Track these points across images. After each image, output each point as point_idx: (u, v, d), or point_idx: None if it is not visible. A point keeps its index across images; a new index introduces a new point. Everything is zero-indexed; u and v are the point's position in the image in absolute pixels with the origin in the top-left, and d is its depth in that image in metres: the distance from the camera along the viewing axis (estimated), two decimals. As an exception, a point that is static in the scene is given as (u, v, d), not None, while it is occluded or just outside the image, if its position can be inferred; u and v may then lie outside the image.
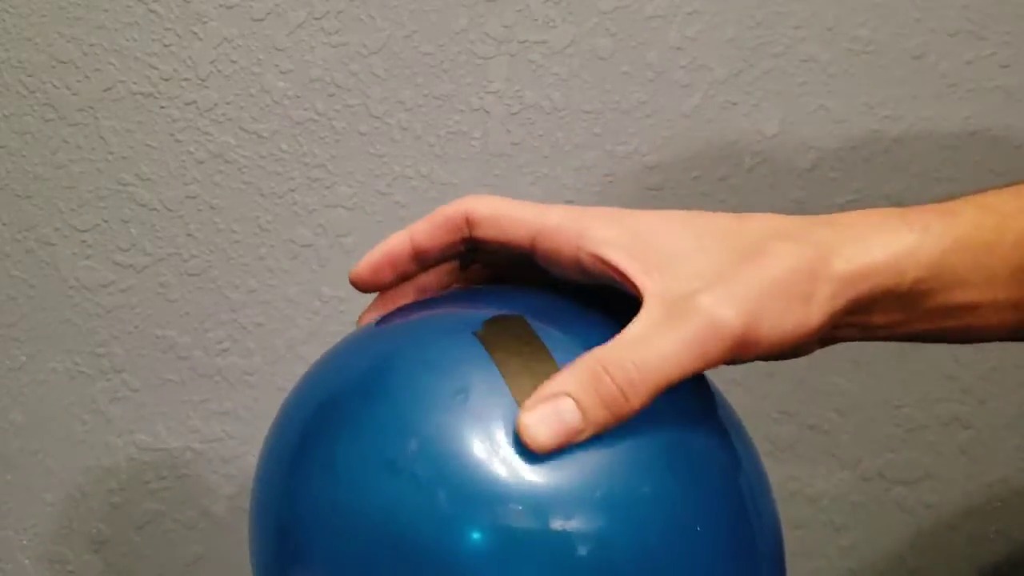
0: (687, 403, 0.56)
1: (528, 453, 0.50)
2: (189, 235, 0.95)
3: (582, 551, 0.49)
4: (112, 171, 0.94)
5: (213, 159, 0.94)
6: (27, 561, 1.02)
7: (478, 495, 0.50)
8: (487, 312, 0.57)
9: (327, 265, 0.96)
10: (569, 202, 0.96)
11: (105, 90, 0.93)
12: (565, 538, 0.49)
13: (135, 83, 0.93)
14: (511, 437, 0.51)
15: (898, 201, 0.97)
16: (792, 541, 1.05)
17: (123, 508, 1.01)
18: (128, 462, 1.00)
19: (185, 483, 1.00)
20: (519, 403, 0.52)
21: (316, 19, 0.92)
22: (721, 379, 1.00)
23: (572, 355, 0.53)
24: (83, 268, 0.96)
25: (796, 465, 1.03)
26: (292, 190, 0.95)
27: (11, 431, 0.99)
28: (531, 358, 0.54)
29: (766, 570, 0.57)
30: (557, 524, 0.49)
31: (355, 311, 0.96)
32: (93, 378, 0.98)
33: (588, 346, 0.53)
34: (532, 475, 0.50)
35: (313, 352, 0.96)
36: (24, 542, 1.01)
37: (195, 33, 0.92)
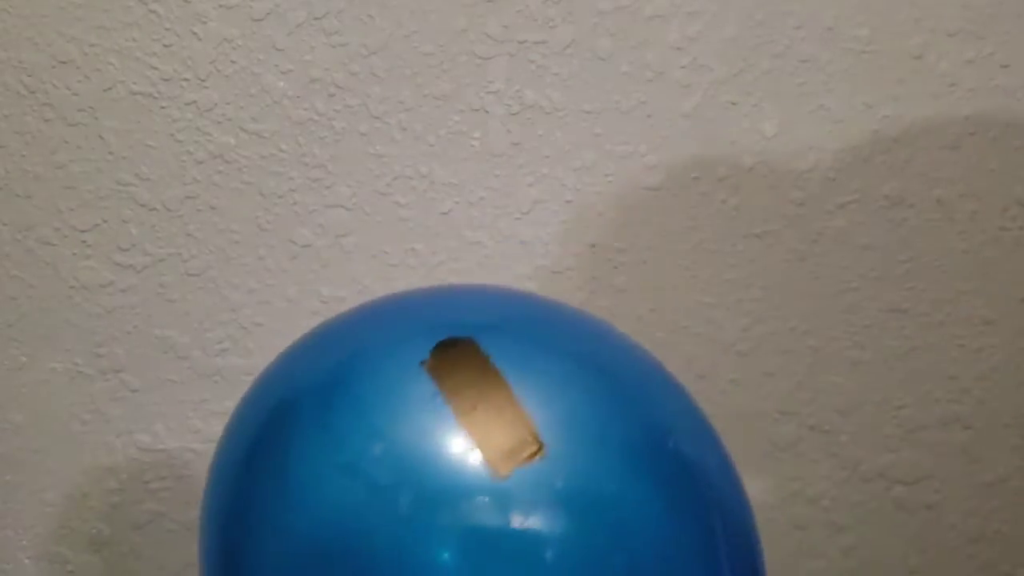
0: (660, 404, 0.55)
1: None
2: (189, 235, 0.95)
3: (548, 554, 0.49)
4: (112, 171, 0.94)
5: (213, 159, 0.94)
6: (27, 560, 1.02)
7: (442, 497, 0.49)
8: (443, 319, 0.56)
9: (327, 265, 0.96)
10: (569, 202, 0.96)
11: (105, 90, 0.93)
12: (532, 539, 0.49)
13: (135, 83, 0.93)
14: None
15: (898, 201, 0.97)
16: (793, 541, 1.05)
17: (123, 508, 1.01)
18: (128, 462, 1.00)
19: (185, 483, 1.00)
20: (478, 447, 0.51)
21: (316, 19, 0.92)
22: (721, 379, 1.00)
23: (529, 378, 0.52)
24: (83, 268, 0.96)
25: (797, 465, 1.03)
26: (292, 190, 0.95)
27: (11, 431, 0.99)
28: (486, 390, 0.54)
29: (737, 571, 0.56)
30: (522, 525, 0.49)
31: (355, 311, 0.97)
32: (93, 378, 0.98)
33: (547, 369, 0.52)
34: (499, 480, 0.49)
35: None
36: (24, 542, 1.01)
37: (195, 33, 0.92)
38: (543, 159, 0.95)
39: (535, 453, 0.52)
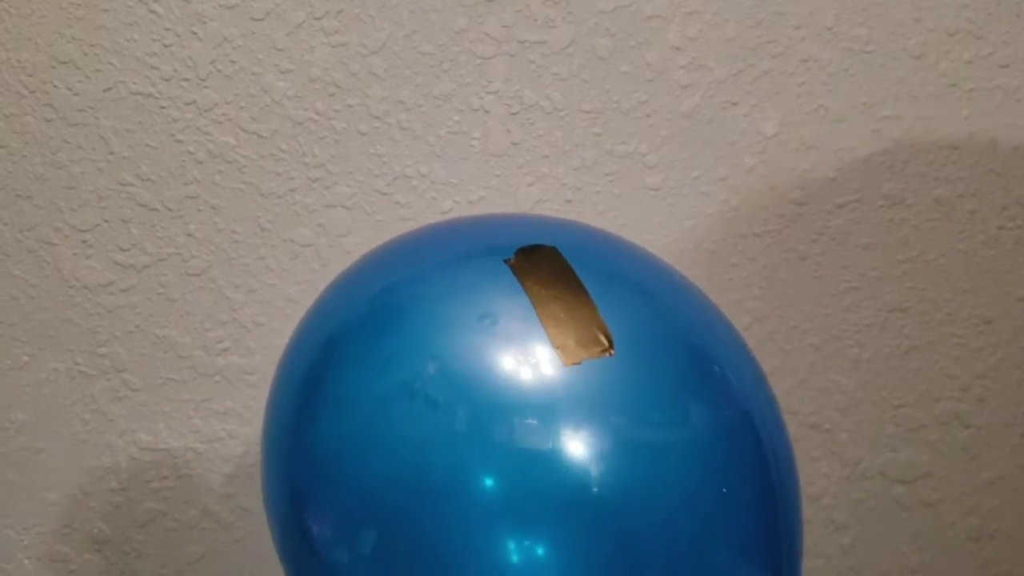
0: (720, 346, 0.56)
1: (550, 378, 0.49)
2: (189, 235, 0.96)
3: (597, 468, 0.49)
4: (112, 171, 0.94)
5: (213, 159, 0.94)
6: (28, 560, 1.02)
7: (495, 413, 0.49)
8: (518, 240, 0.56)
9: (327, 265, 0.96)
10: (569, 202, 0.96)
11: (105, 90, 0.93)
12: (579, 470, 0.49)
13: (135, 83, 0.93)
14: (535, 360, 0.50)
15: (898, 201, 0.97)
16: (792, 540, 1.05)
17: (124, 507, 1.01)
18: (129, 461, 1.00)
19: (186, 482, 1.00)
20: (550, 336, 0.51)
21: (316, 19, 0.92)
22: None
23: (607, 288, 0.52)
24: (84, 268, 0.96)
25: (797, 464, 1.03)
26: (292, 190, 0.95)
27: (12, 430, 0.99)
28: (564, 290, 0.54)
29: (782, 517, 0.56)
30: (573, 452, 0.49)
31: (355, 311, 0.97)
32: (94, 378, 0.98)
33: (623, 282, 0.52)
34: (552, 396, 0.49)
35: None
36: (25, 541, 1.02)
37: (195, 33, 0.92)
38: (543, 159, 0.95)
39: (604, 350, 0.53)
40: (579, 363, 0.52)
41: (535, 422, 0.49)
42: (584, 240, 0.59)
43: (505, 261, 0.55)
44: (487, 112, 0.94)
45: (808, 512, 1.04)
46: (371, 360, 0.53)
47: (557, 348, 0.52)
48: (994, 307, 1.00)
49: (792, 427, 1.02)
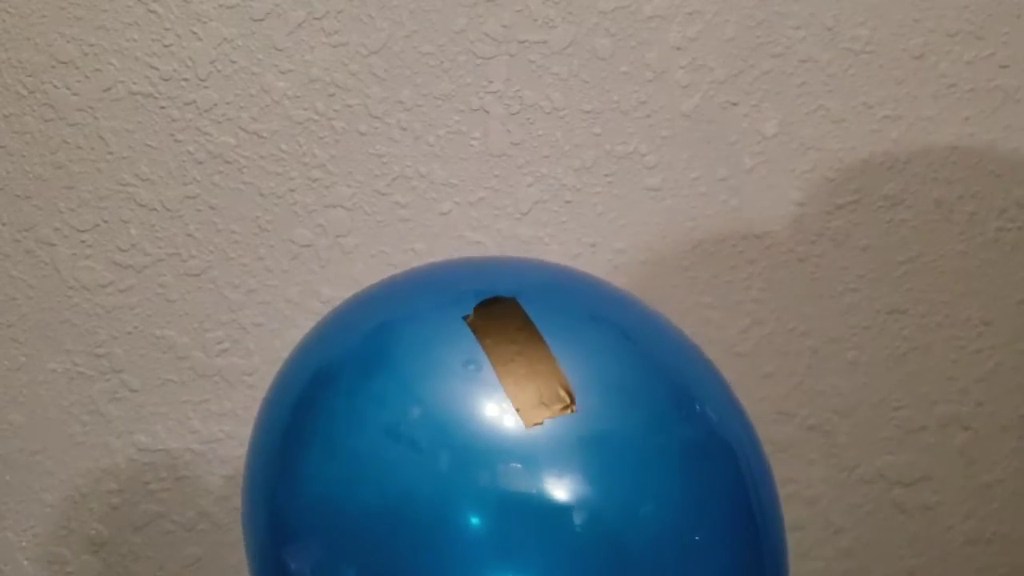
0: (691, 371, 0.56)
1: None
2: (189, 235, 0.95)
3: (578, 519, 0.50)
4: (112, 171, 0.94)
5: (213, 159, 0.94)
6: (26, 562, 1.01)
7: (480, 457, 0.50)
8: (481, 286, 0.57)
9: (327, 265, 0.96)
10: (569, 203, 0.96)
11: (105, 90, 0.92)
12: (563, 506, 0.49)
13: (135, 83, 0.92)
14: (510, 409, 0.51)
15: (898, 202, 0.97)
16: (791, 542, 1.05)
17: (122, 509, 1.00)
18: (127, 463, 1.00)
19: (184, 484, 1.00)
20: (509, 396, 0.52)
21: (316, 19, 0.92)
22: (721, 379, 1.00)
23: (567, 339, 0.53)
24: (83, 268, 0.96)
25: (795, 466, 1.03)
26: (292, 190, 0.95)
27: (10, 431, 0.99)
28: (525, 345, 0.54)
29: (765, 545, 0.57)
30: (555, 491, 0.49)
31: (355, 311, 0.96)
32: (92, 379, 0.98)
33: (583, 333, 0.53)
34: (533, 440, 0.50)
35: (313, 352, 0.95)
36: (23, 543, 1.01)
37: (195, 33, 0.92)
38: (543, 159, 0.95)
39: (566, 407, 0.52)
40: (541, 423, 0.52)
41: (518, 466, 0.50)
42: (550, 286, 0.60)
43: (464, 318, 0.55)
44: (487, 112, 0.94)
45: (806, 515, 1.04)
46: (358, 400, 0.54)
47: (517, 409, 0.52)
48: (993, 309, 1.01)
49: (790, 430, 1.02)
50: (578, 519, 0.50)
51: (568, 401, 0.53)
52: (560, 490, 0.50)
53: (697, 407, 0.55)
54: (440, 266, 0.65)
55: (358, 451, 0.52)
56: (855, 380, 1.01)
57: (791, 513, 1.03)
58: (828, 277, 0.99)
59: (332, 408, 0.54)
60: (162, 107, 0.93)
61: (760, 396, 1.01)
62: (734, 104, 0.95)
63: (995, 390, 1.02)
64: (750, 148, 0.96)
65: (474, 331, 0.55)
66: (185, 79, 0.93)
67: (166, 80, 0.93)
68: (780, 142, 0.96)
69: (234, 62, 0.93)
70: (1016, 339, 1.01)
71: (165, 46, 0.92)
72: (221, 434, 0.99)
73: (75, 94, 0.93)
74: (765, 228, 0.97)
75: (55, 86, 0.92)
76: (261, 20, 0.92)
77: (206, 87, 0.93)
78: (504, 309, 0.56)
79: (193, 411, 0.99)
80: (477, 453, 0.51)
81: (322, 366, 0.58)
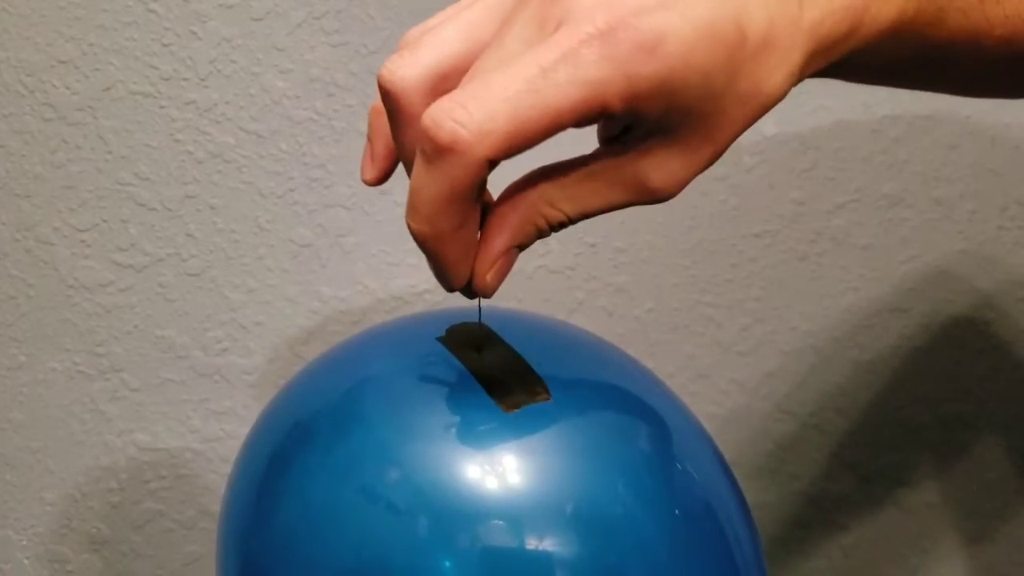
0: (659, 425, 0.56)
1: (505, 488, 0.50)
2: (189, 235, 0.95)
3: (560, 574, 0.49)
4: (112, 171, 0.94)
5: (213, 159, 0.94)
6: (26, 561, 1.02)
7: (457, 521, 0.49)
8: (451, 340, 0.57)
9: (327, 265, 0.96)
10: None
11: (105, 90, 0.92)
12: (544, 560, 0.49)
13: (135, 83, 0.92)
14: (501, 470, 0.50)
15: (898, 201, 0.97)
16: (794, 541, 1.05)
17: (122, 508, 1.01)
18: (127, 462, 1.00)
19: (184, 483, 1.00)
20: (481, 381, 0.52)
21: (316, 19, 0.92)
22: (722, 379, 1.00)
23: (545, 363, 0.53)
24: (82, 268, 0.96)
25: (798, 465, 1.03)
26: (292, 190, 0.95)
27: (10, 430, 0.99)
28: (493, 347, 0.55)
29: None
30: (535, 547, 0.49)
31: (355, 311, 0.97)
32: (92, 378, 0.98)
33: (587, 386, 0.53)
34: (518, 505, 0.50)
35: (312, 352, 0.96)
36: (23, 542, 1.01)
37: (195, 33, 0.92)
38: (543, 159, 0.95)
39: (541, 396, 0.53)
40: (519, 409, 0.51)
41: (500, 524, 0.50)
42: (536, 343, 0.59)
43: (437, 339, 0.55)
44: (487, 112, 0.94)
45: (809, 513, 1.04)
46: (334, 459, 0.53)
47: (494, 398, 0.52)
48: (994, 308, 1.00)
49: (792, 429, 1.02)
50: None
51: (543, 391, 0.53)
52: (543, 557, 0.49)
53: (679, 466, 0.55)
54: (415, 318, 0.65)
55: (333, 510, 0.51)
56: (857, 379, 1.01)
57: (794, 512, 1.03)
58: (829, 276, 0.99)
59: (307, 464, 0.54)
60: (162, 107, 0.93)
61: (763, 395, 1.01)
62: (734, 103, 0.95)
63: (997, 389, 1.02)
64: (750, 148, 0.95)
65: (444, 344, 0.55)
66: (185, 79, 0.93)
67: (166, 80, 0.93)
68: (780, 142, 0.95)
69: (234, 62, 0.93)
70: (1018, 338, 1.01)
71: (164, 45, 0.92)
72: (221, 433, 0.99)
73: (74, 93, 0.93)
74: (766, 228, 0.97)
75: (54, 85, 0.92)
76: (261, 20, 0.92)
77: (206, 87, 0.93)
78: (473, 327, 0.57)
79: (193, 410, 0.99)
80: (458, 519, 0.49)
81: (300, 419, 0.57)
